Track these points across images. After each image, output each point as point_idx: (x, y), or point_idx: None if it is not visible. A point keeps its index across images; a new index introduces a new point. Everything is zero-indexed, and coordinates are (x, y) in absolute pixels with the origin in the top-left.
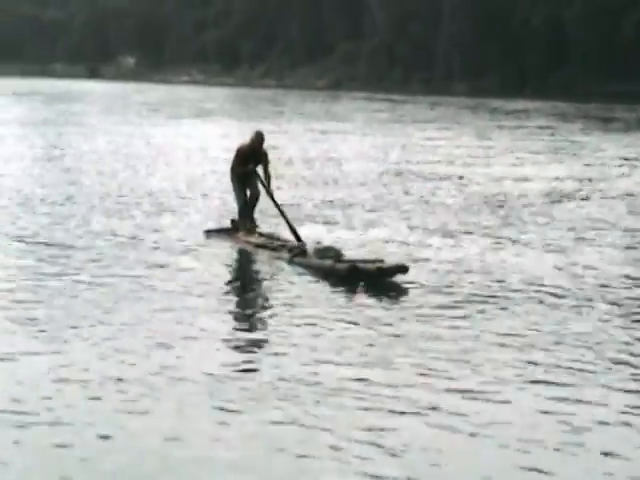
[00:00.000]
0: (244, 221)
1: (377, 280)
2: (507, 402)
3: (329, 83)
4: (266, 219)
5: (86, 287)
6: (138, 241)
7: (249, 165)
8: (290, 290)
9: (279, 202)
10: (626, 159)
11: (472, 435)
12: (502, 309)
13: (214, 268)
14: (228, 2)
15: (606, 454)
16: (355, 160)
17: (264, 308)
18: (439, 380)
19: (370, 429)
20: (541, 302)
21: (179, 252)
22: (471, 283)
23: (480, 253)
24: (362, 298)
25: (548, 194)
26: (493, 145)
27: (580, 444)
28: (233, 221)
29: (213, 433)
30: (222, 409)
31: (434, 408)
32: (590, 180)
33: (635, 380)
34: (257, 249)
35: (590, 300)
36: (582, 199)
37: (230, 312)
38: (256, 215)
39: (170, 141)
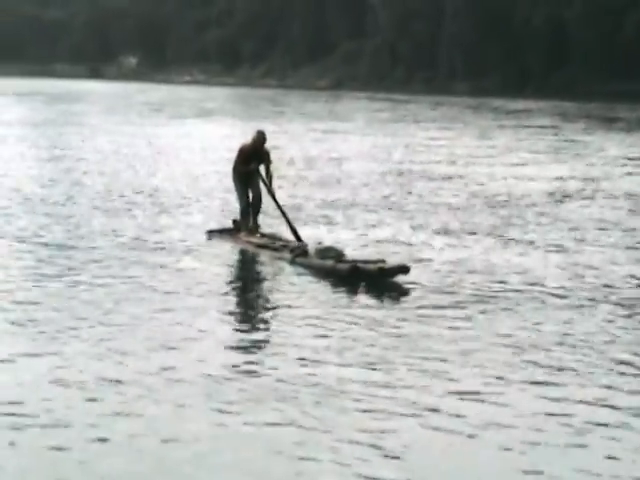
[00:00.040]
0: (246, 221)
1: (378, 280)
2: (508, 404)
3: (331, 83)
4: (267, 219)
5: (86, 287)
6: (139, 241)
7: (251, 164)
8: (291, 290)
9: (280, 202)
10: (628, 159)
11: (472, 437)
12: (504, 309)
13: (215, 268)
14: (230, 1)
15: (609, 456)
16: (357, 160)
17: (265, 308)
18: (440, 381)
19: (369, 431)
20: (543, 302)
21: (181, 252)
22: (473, 283)
23: (482, 253)
24: (363, 298)
25: (550, 194)
26: (495, 145)
27: (582, 445)
28: (235, 221)
29: (211, 434)
30: (221, 410)
31: (434, 410)
32: (592, 180)
33: (638, 381)
34: (259, 249)
35: (593, 300)
36: (584, 199)
37: (231, 312)
38: (259, 216)
39: (171, 141)
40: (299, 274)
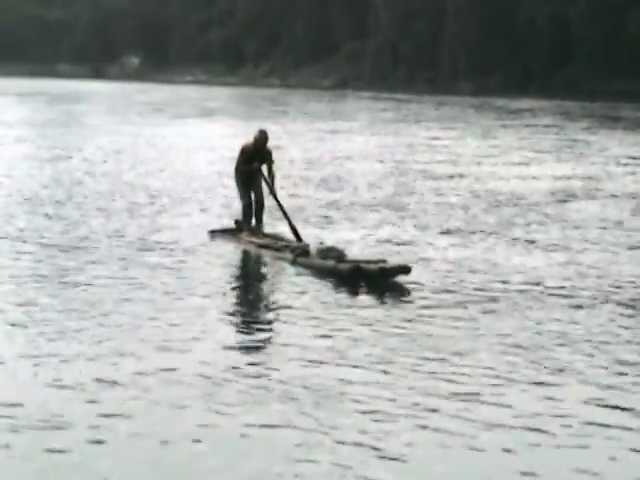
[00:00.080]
0: (248, 221)
1: (380, 280)
2: (510, 405)
3: (333, 82)
4: (269, 219)
5: (87, 288)
6: (141, 241)
7: (253, 164)
8: (292, 291)
9: (283, 202)
10: (632, 158)
11: (473, 438)
12: (506, 309)
13: (217, 268)
14: (232, 1)
15: (611, 458)
16: (359, 159)
17: (265, 309)
18: (441, 382)
19: (369, 432)
20: (546, 302)
21: (182, 252)
22: (475, 283)
23: (484, 253)
24: (364, 299)
25: (553, 193)
26: (498, 144)
27: (584, 447)
28: (237, 221)
29: (210, 435)
30: (220, 411)
31: (435, 411)
32: (595, 179)
33: None
34: (260, 249)
35: (595, 300)
36: (587, 198)
37: (231, 313)
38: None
39: (173, 141)
40: (300, 274)
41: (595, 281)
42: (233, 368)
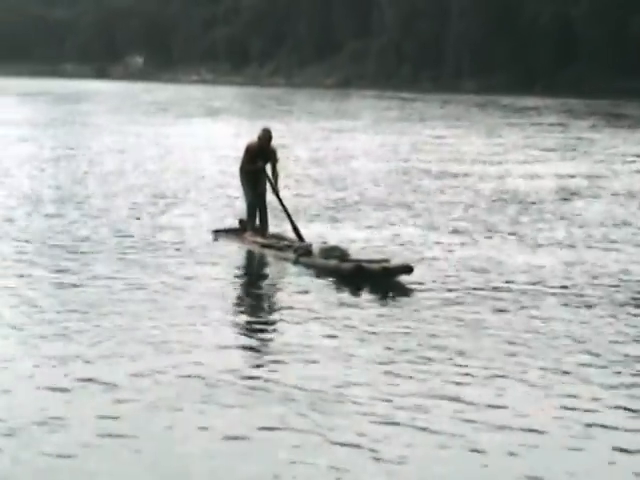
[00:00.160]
0: (252, 221)
1: (382, 280)
2: (512, 407)
3: (338, 81)
4: (272, 219)
5: (88, 287)
6: (144, 241)
7: (258, 162)
8: (294, 291)
9: (287, 201)
10: (637, 155)
11: (473, 440)
12: (510, 309)
13: (220, 268)
14: (236, 0)
15: (611, 461)
16: (363, 158)
17: (267, 309)
18: (442, 383)
19: (368, 435)
20: (551, 301)
21: (186, 252)
22: (479, 282)
23: (489, 251)
24: (366, 298)
25: (558, 191)
26: (503, 142)
27: (586, 449)
28: (241, 221)
29: (207, 437)
30: (218, 413)
31: (435, 412)
32: (600, 177)
33: None
34: (264, 249)
35: (601, 299)
36: (592, 196)
37: (232, 312)
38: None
39: (178, 140)
40: (303, 274)
41: (600, 280)
42: (233, 368)
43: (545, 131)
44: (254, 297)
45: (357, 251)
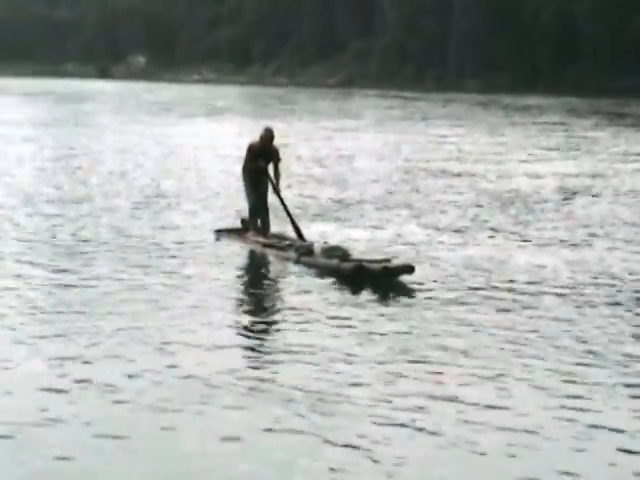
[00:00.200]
0: (254, 221)
1: (383, 280)
2: (512, 408)
3: (341, 81)
4: (273, 219)
5: (89, 287)
6: (146, 240)
7: (259, 162)
8: (294, 291)
9: (289, 200)
10: (639, 155)
11: (473, 441)
12: (512, 309)
13: (221, 268)
14: (239, 0)
15: (612, 463)
16: (367, 158)
17: (268, 308)
18: (443, 384)
19: (367, 436)
20: (553, 301)
21: (188, 252)
22: (481, 282)
23: (491, 251)
24: (367, 298)
25: (560, 191)
26: (505, 142)
27: (587, 450)
28: (243, 221)
29: (205, 437)
30: (216, 413)
31: (435, 415)
32: (603, 176)
33: None
34: (265, 249)
35: (604, 298)
36: (594, 195)
37: (233, 312)
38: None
39: (181, 140)
40: (304, 274)
41: (603, 279)
42: (233, 369)
43: (548, 130)
44: (255, 297)
45: (359, 251)
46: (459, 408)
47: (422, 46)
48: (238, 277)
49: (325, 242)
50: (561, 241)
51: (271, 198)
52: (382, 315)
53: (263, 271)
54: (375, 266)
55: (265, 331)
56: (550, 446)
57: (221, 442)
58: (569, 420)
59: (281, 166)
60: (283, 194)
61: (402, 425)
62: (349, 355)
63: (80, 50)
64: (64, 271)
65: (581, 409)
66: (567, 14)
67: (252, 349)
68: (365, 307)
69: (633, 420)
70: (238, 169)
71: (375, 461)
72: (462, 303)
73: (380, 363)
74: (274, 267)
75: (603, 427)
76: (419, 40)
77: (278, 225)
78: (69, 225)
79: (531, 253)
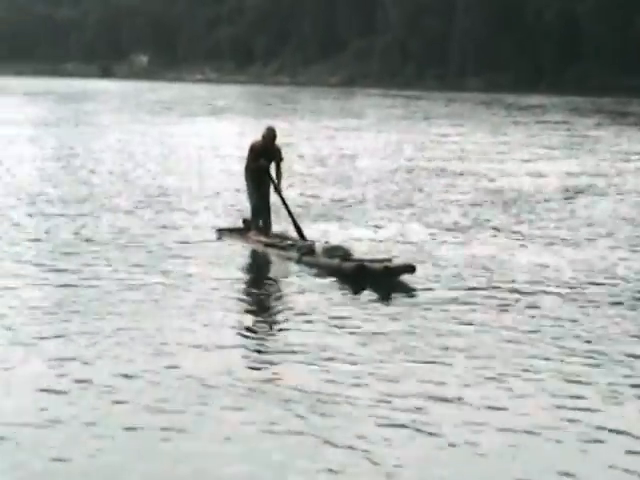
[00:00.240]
0: (256, 220)
1: (384, 280)
2: (512, 408)
3: (342, 80)
4: (275, 219)
5: (89, 288)
6: (148, 240)
7: (261, 161)
8: (295, 290)
9: (291, 200)
10: None
11: (473, 442)
12: (514, 309)
13: (221, 268)
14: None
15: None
16: (368, 157)
17: (269, 308)
18: (443, 384)
19: (366, 436)
20: (555, 300)
21: (189, 251)
22: (483, 282)
23: (493, 250)
24: (368, 298)
25: (563, 190)
26: (508, 141)
27: (589, 450)
28: (245, 220)
29: (204, 438)
30: (216, 413)
31: (435, 415)
32: (605, 175)
33: None
34: (267, 248)
35: (607, 298)
36: (597, 194)
37: (234, 312)
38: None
39: (183, 139)
40: (305, 273)
41: (605, 278)
42: (233, 369)
43: (550, 129)
44: (256, 296)
45: (360, 250)
46: (459, 408)
47: (423, 45)
48: (239, 277)
49: (326, 242)
50: (563, 240)
51: (273, 198)
52: (383, 315)
53: (264, 271)
54: (376, 266)
55: (265, 331)
56: (551, 447)
57: (220, 443)
58: (571, 421)
59: (283, 165)
60: (285, 193)
61: (402, 426)
62: (349, 355)
63: (82, 49)
64: (64, 271)
65: (583, 409)
66: (569, 14)
67: (252, 349)
68: (366, 307)
69: (636, 421)
70: (240, 168)
71: (375, 462)
72: (463, 303)
73: (380, 363)
74: (275, 267)
75: (605, 428)
76: (420, 39)
77: (280, 225)
78: (69, 225)
79: (533, 252)
